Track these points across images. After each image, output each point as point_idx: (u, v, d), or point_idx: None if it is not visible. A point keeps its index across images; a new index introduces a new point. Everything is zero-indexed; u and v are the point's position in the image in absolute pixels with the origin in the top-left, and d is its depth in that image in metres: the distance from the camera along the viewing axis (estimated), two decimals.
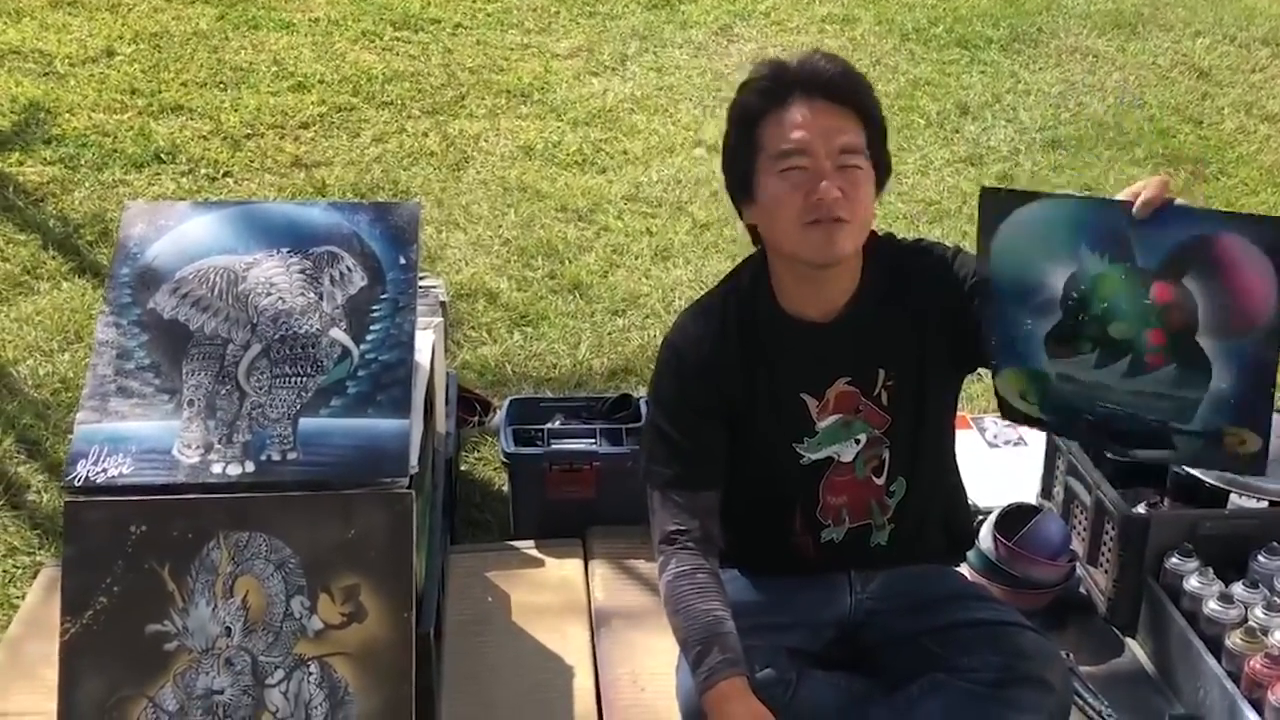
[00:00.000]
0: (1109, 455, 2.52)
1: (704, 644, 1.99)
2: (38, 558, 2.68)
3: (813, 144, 1.95)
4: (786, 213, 1.97)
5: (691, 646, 2.01)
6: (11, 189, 4.12)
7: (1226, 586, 2.38)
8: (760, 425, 2.12)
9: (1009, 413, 2.06)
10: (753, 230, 2.11)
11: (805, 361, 2.11)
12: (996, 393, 2.05)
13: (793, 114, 1.96)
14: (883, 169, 2.04)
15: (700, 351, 2.11)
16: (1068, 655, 2.41)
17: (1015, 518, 2.60)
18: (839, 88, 1.98)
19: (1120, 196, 1.84)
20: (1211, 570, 2.41)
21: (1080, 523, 2.68)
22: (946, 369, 2.13)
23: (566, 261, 3.94)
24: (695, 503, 2.09)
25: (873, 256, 2.09)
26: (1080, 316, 1.88)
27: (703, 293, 2.27)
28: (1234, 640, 2.28)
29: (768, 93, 1.99)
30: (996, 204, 1.88)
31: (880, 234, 2.12)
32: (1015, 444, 3.08)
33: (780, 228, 2.00)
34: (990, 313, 1.96)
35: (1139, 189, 1.82)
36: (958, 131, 4.97)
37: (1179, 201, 1.83)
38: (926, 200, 4.38)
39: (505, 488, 2.91)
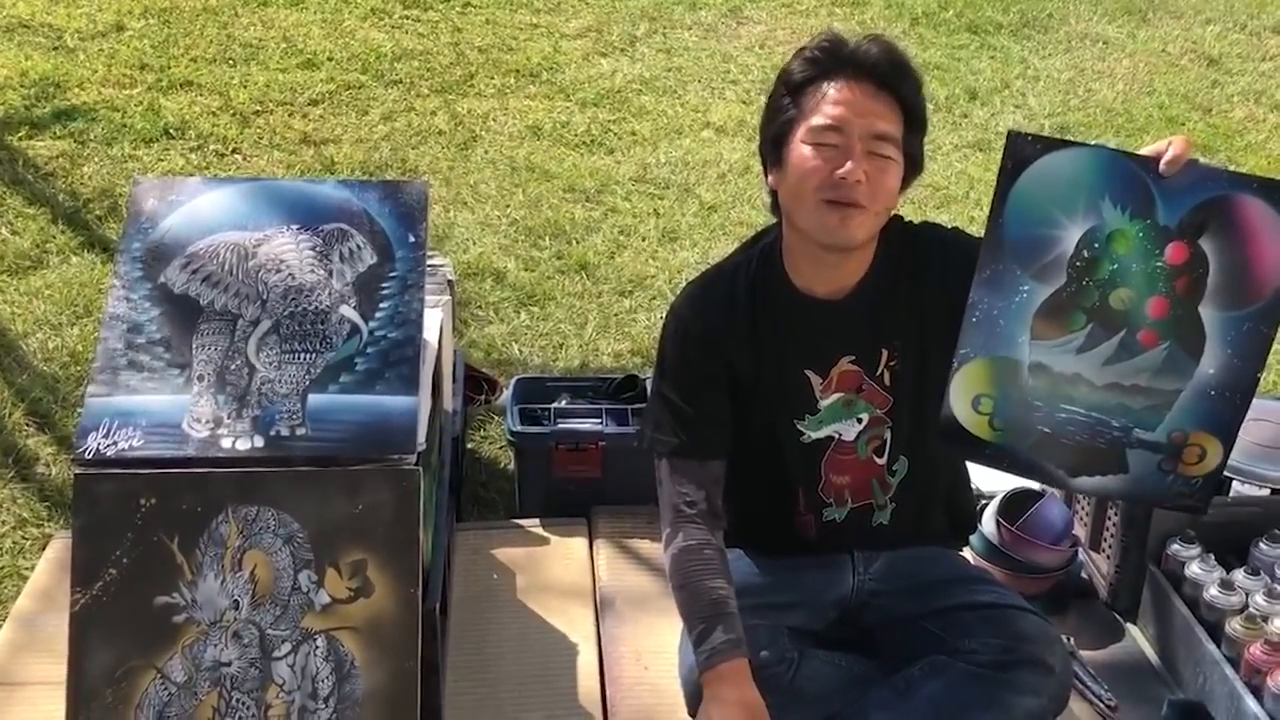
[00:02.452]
0: (1047, 489, 2.50)
1: (708, 622, 2.00)
2: (47, 529, 2.70)
3: (850, 123, 1.96)
4: (809, 183, 1.98)
5: (695, 624, 2.02)
6: (21, 164, 4.13)
7: (1228, 573, 2.39)
8: (762, 400, 2.13)
9: (949, 432, 1.99)
10: (775, 196, 2.11)
11: (811, 338, 2.12)
12: (944, 406, 1.98)
13: (838, 90, 1.98)
14: (914, 164, 2.05)
15: (707, 320, 2.13)
16: (1069, 640, 2.43)
17: (1018, 502, 2.62)
18: (888, 75, 1.99)
19: (1143, 152, 1.83)
20: (1213, 557, 2.43)
21: (1083, 508, 2.69)
22: (948, 351, 2.15)
23: (574, 242, 3.95)
24: (703, 472, 2.11)
25: (884, 238, 2.10)
26: (1085, 281, 1.86)
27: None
28: (1234, 627, 2.29)
29: (819, 63, 2.01)
30: (1023, 149, 1.84)
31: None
32: None
33: (799, 198, 2.01)
34: (985, 278, 1.90)
35: (1162, 147, 1.82)
36: (966, 116, 4.98)
37: (1202, 161, 1.83)
38: (934, 185, 4.39)
39: (511, 466, 2.92)
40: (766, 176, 2.10)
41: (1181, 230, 1.82)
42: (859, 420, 2.14)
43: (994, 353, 1.93)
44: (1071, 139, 2.00)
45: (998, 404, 1.95)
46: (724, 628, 2.00)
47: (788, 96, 2.03)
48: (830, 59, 2.00)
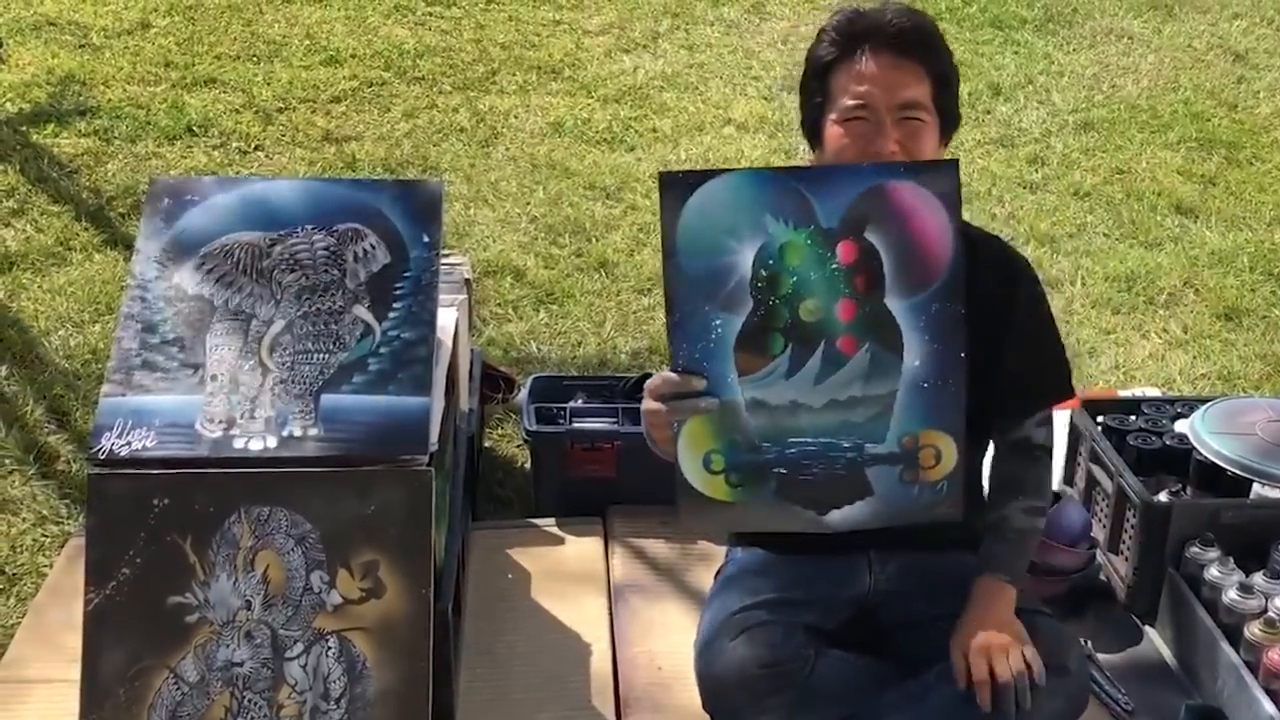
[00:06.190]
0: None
1: None
2: (66, 527, 2.71)
3: (874, 98, 1.99)
4: (844, 161, 2.00)
5: None
6: (46, 160, 4.15)
7: (1247, 576, 2.38)
8: None
9: (689, 509, 1.91)
10: None
11: None
12: (680, 484, 1.90)
13: (859, 67, 2.00)
14: (950, 119, 2.07)
15: None
16: (1086, 643, 2.42)
17: None
18: (907, 41, 2.01)
19: None
20: (1232, 560, 2.41)
21: (1102, 509, 2.67)
22: (981, 358, 2.12)
23: (593, 240, 3.95)
24: None
25: None
26: (771, 300, 1.84)
27: None
28: (1253, 630, 2.27)
29: (837, 44, 2.04)
30: (676, 187, 1.83)
31: None
32: None
33: None
34: (676, 322, 1.86)
35: None
36: (989, 113, 4.94)
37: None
38: None
39: (527, 465, 2.92)
40: (813, 154, 2.14)
41: (845, 228, 1.84)
42: None
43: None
44: (722, 167, 2.00)
45: (728, 457, 1.89)
46: None
47: (815, 81, 2.07)
48: (848, 37, 2.03)
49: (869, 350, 1.87)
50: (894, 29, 2.01)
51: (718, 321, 1.86)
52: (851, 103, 2.00)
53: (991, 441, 2.18)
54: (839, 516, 1.95)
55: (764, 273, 1.84)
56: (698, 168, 4.44)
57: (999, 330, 2.04)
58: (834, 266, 1.85)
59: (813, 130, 2.09)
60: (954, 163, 1.88)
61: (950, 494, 1.93)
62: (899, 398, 1.88)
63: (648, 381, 1.95)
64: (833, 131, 2.03)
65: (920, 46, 2.02)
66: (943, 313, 1.86)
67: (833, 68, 2.04)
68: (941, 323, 1.86)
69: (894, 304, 1.86)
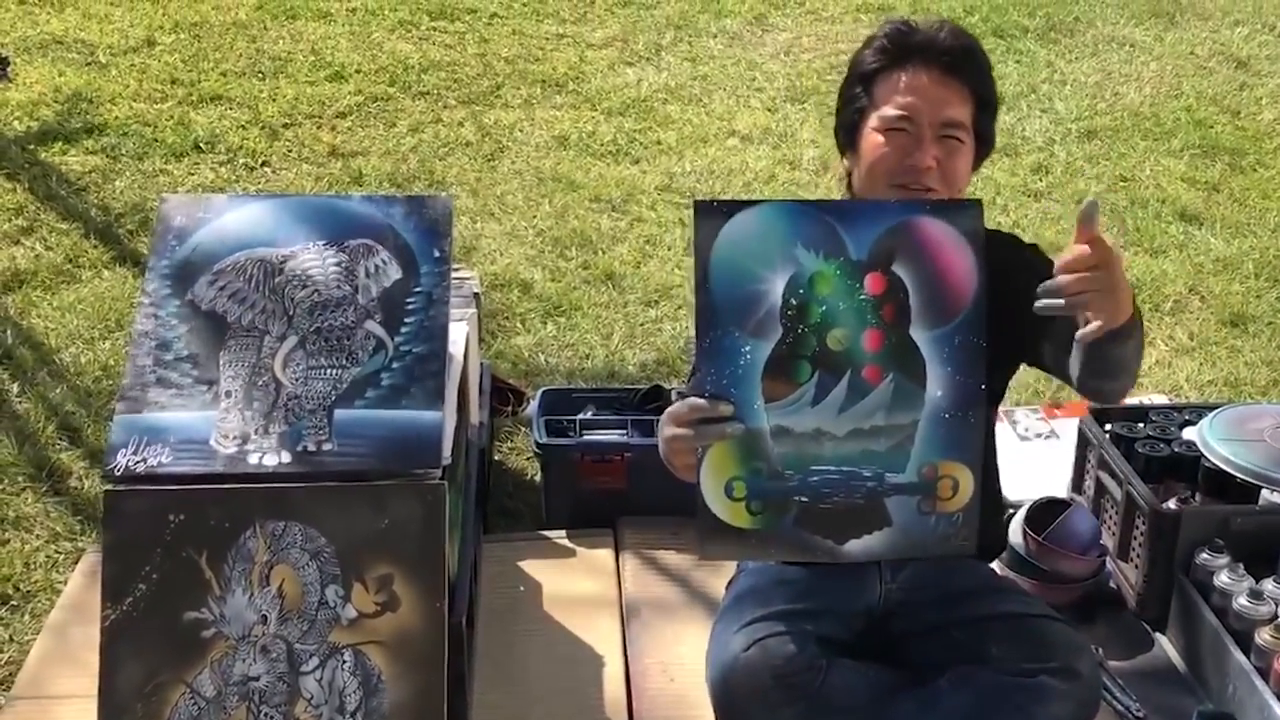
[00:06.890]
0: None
1: None
2: (80, 544, 2.73)
3: (919, 111, 2.02)
4: (880, 169, 2.04)
5: None
6: (54, 179, 4.18)
7: (1257, 583, 2.38)
8: None
9: (708, 537, 1.93)
10: (848, 178, 2.17)
11: None
12: (699, 511, 1.91)
13: (908, 79, 2.04)
14: (985, 143, 2.10)
15: None
16: (1097, 650, 2.42)
17: (1045, 512, 2.61)
18: (957, 62, 2.04)
19: None
20: (1242, 566, 2.41)
21: (1111, 517, 2.68)
22: (1001, 362, 2.13)
23: (600, 252, 3.97)
24: None
25: None
26: (800, 329, 1.87)
27: None
28: (1264, 637, 2.28)
29: (889, 52, 2.07)
30: (711, 215, 1.86)
31: None
32: (1046, 437, 3.09)
33: (872, 184, 2.07)
34: (706, 347, 1.88)
35: None
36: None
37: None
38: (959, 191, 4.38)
39: (538, 477, 2.93)
40: (842, 159, 2.17)
41: (873, 261, 1.87)
42: None
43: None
44: (755, 197, 2.04)
45: (750, 484, 1.91)
46: None
47: (859, 85, 2.10)
48: (900, 48, 2.06)
49: (893, 380, 1.89)
50: (946, 47, 2.04)
51: (747, 348, 1.88)
52: (895, 112, 2.03)
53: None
54: (858, 547, 1.96)
55: (794, 301, 1.87)
56: (703, 172, 4.48)
57: (1018, 295, 2.01)
58: (862, 297, 1.88)
59: (849, 134, 2.12)
60: (977, 202, 1.91)
61: (966, 525, 1.95)
62: (920, 428, 1.91)
63: (670, 408, 1.96)
64: (872, 139, 2.05)
65: (969, 68, 2.06)
66: (965, 345, 1.89)
67: (879, 75, 2.07)
68: (964, 355, 1.89)
69: (919, 335, 1.89)
